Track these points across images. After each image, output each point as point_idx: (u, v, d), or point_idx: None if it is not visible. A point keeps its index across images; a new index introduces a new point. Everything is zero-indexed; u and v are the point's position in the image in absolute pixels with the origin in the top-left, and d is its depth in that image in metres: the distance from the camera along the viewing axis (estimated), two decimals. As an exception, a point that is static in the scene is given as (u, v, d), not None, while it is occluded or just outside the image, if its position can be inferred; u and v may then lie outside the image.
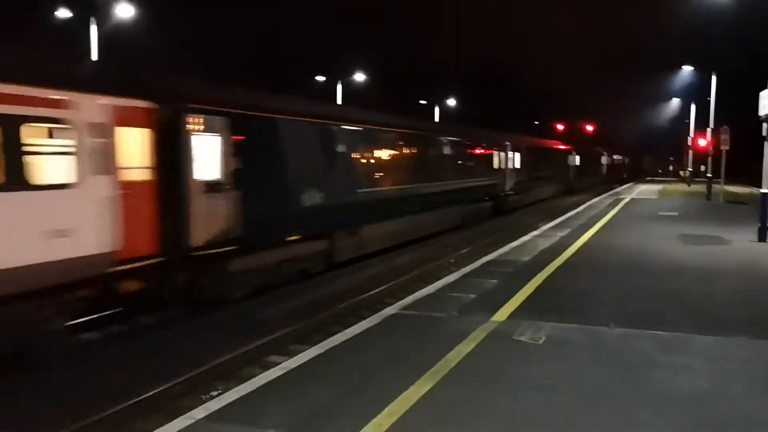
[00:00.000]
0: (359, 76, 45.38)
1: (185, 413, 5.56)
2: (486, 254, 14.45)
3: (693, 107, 48.46)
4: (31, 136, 7.70)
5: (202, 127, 10.25)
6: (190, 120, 10.03)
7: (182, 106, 9.94)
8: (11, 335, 7.74)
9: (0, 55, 8.04)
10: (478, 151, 25.41)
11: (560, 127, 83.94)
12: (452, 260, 16.39)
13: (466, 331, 7.72)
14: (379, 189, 16.48)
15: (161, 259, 9.46)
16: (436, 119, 54.01)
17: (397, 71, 67.56)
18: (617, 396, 5.85)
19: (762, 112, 16.19)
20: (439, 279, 11.84)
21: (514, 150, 29.45)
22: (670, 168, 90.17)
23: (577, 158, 46.96)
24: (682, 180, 58.71)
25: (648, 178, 74.84)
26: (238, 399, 5.80)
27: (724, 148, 29.72)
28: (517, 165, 30.02)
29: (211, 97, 10.98)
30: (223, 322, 10.54)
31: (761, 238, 16.10)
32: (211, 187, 10.32)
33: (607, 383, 6.17)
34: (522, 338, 7.50)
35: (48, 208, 7.77)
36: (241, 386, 6.17)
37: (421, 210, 18.94)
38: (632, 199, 33.79)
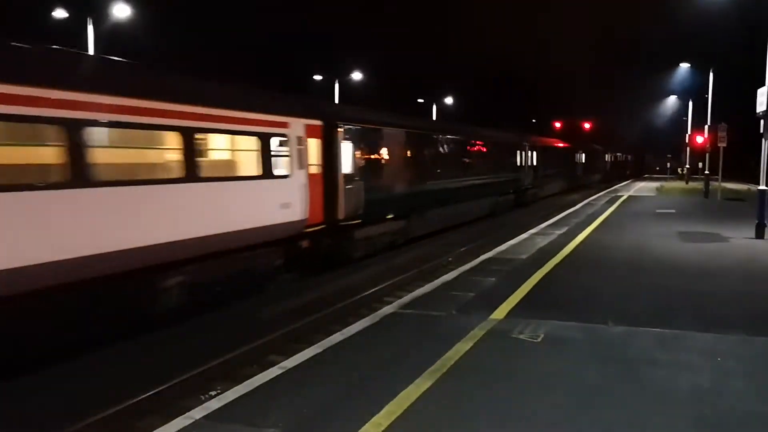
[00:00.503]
0: (357, 75, 45.34)
1: (184, 413, 5.55)
2: (484, 252, 14.46)
3: (690, 104, 48.54)
4: (273, 145, 11.97)
5: (344, 137, 14.44)
6: (339, 132, 14.23)
7: (335, 123, 14.17)
8: (261, 269, 12.08)
9: (261, 97, 12.75)
10: (505, 151, 29.46)
11: (557, 125, 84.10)
12: (450, 258, 16.39)
13: (465, 329, 7.72)
14: (440, 182, 20.63)
15: (323, 226, 13.71)
16: (434, 117, 54.11)
17: (396, 69, 67.68)
18: (616, 393, 5.85)
19: (759, 109, 16.22)
20: (437, 277, 11.84)
21: (531, 149, 32.95)
22: (668, 165, 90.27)
23: (584, 156, 50.56)
24: (680, 177, 58.81)
25: (646, 176, 74.92)
26: (237, 399, 5.80)
27: (722, 145, 29.78)
28: (535, 163, 33.59)
29: (348, 115, 15.41)
30: (222, 321, 10.54)
31: (759, 235, 16.13)
32: (348, 178, 14.54)
33: (606, 381, 6.17)
34: (521, 336, 7.50)
35: (280, 189, 12.12)
36: (241, 386, 6.16)
37: (466, 199, 23.11)
38: (630, 197, 33.83)
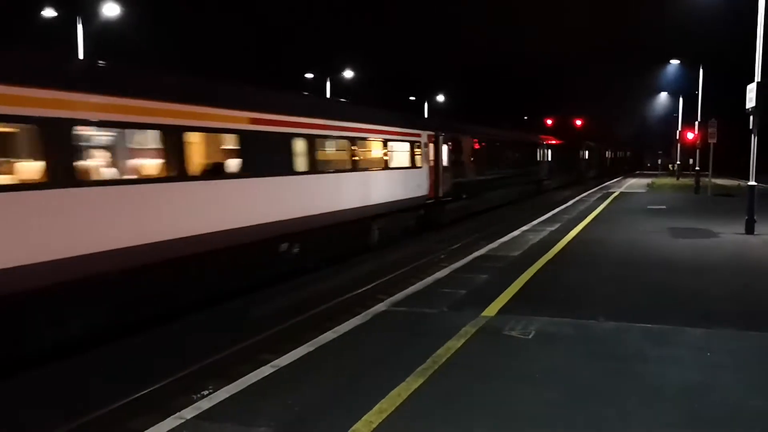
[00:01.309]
0: (348, 73, 45.27)
1: (176, 413, 5.54)
2: (476, 250, 14.49)
3: (681, 100, 48.72)
4: (415, 148, 19.37)
5: (442, 142, 21.58)
6: (440, 139, 21.45)
7: (439, 133, 21.46)
8: (407, 224, 19.22)
9: (409, 119, 20.20)
10: (531, 149, 37.54)
11: (549, 121, 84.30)
12: (443, 256, 16.42)
13: (457, 326, 7.73)
14: (491, 173, 28.29)
15: (433, 200, 20.87)
16: (426, 115, 54.24)
17: (386, 67, 67.59)
18: (608, 389, 5.87)
19: (749, 105, 16.30)
20: (429, 275, 11.86)
21: (547, 148, 41.00)
22: (659, 161, 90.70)
23: (587, 153, 58.39)
24: (671, 173, 59.02)
25: (637, 172, 75.28)
26: (228, 398, 5.78)
27: (712, 141, 29.95)
28: (549, 158, 41.53)
29: (445, 126, 22.75)
30: (214, 320, 10.52)
31: (749, 230, 16.22)
32: (445, 169, 21.69)
33: (598, 377, 6.19)
34: (512, 333, 7.52)
35: (418, 176, 19.49)
36: (232, 385, 6.15)
37: (506, 186, 30.94)
38: (621, 193, 33.95)
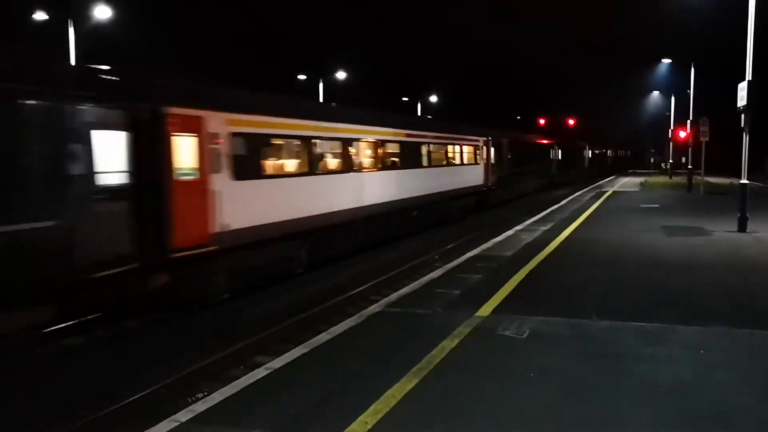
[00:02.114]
0: (341, 74, 45.25)
1: (170, 416, 5.53)
2: (470, 250, 14.50)
3: (672, 99, 48.91)
4: (476, 150, 26.97)
5: (491, 144, 28.48)
6: (489, 142, 28.27)
7: (488, 138, 28.13)
8: (471, 205, 26.73)
9: (476, 127, 28.21)
10: (544, 149, 43.99)
11: (542, 121, 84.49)
12: (437, 256, 16.43)
13: (451, 327, 7.74)
14: (519, 168, 34.44)
15: (485, 189, 27.85)
16: (419, 115, 54.42)
17: (379, 68, 67.61)
18: (602, 389, 5.90)
19: (740, 103, 16.38)
20: (424, 275, 11.87)
21: (558, 148, 47.43)
22: (651, 160, 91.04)
23: (590, 152, 67.13)
24: (664, 172, 59.26)
25: (630, 171, 75.62)
26: (223, 401, 5.78)
27: (704, 139, 30.04)
28: (559, 157, 47.93)
29: (492, 133, 29.02)
30: (208, 323, 10.50)
31: (741, 228, 16.30)
32: (492, 165, 28.44)
33: (592, 376, 6.21)
34: (506, 333, 7.53)
35: (478, 170, 27.19)
36: (227, 387, 6.14)
37: (528, 179, 37.39)
38: (614, 192, 34.05)
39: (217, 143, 10.79)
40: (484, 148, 27.73)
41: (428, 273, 12.06)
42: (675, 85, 47.74)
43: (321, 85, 42.75)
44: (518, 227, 18.37)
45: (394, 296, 9.82)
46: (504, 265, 12.14)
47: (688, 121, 37.24)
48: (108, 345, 9.22)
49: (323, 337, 7.67)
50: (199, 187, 10.39)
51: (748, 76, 16.10)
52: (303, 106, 16.43)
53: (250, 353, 8.98)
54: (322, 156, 15.18)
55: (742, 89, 16.22)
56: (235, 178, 11.19)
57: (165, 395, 7.52)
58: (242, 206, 11.38)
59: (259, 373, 6.48)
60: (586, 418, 5.28)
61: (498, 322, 7.98)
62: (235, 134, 11.30)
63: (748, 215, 16.42)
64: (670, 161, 54.01)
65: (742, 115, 16.36)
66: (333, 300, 11.61)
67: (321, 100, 39.85)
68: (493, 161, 28.63)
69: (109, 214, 8.96)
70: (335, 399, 5.72)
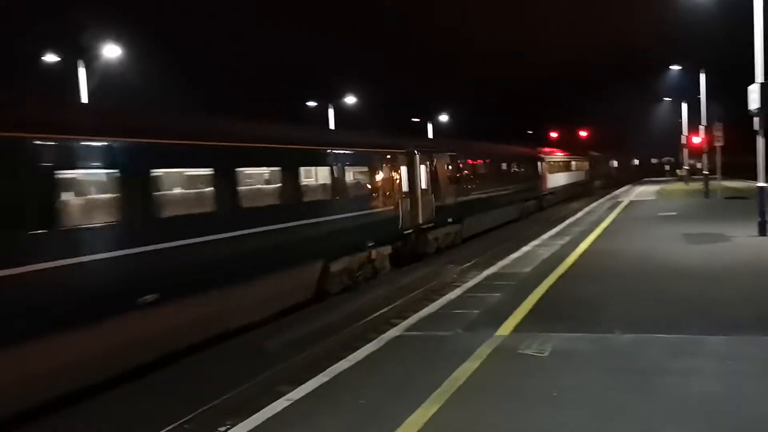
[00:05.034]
0: (350, 99, 45.56)
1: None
2: (488, 267, 14.41)
3: (684, 106, 48.64)
4: (536, 165, 36.35)
5: (543, 161, 36.78)
6: (543, 158, 37.24)
7: (542, 155, 37.42)
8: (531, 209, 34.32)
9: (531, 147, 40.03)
10: (578, 163, 50.07)
11: (554, 134, 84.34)
12: (455, 276, 16.33)
13: (472, 348, 7.64)
14: (554, 182, 39.54)
15: (545, 194, 37.43)
16: (430, 135, 54.55)
17: (388, 91, 68.04)
18: (628, 405, 5.77)
19: (751, 106, 16.21)
20: (442, 296, 11.78)
21: (592, 160, 56.17)
22: (667, 167, 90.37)
23: (615, 162, 76.52)
24: (680, 179, 58.77)
25: (645, 179, 75.15)
26: (245, 434, 5.73)
27: (719, 144, 29.80)
28: (588, 167, 54.33)
29: (543, 153, 38.12)
30: (230, 353, 10.45)
31: (761, 232, 16.05)
32: (543, 176, 36.42)
33: (617, 393, 6.09)
34: (528, 351, 7.43)
35: (539, 181, 36.11)
36: (249, 420, 6.10)
37: (565, 189, 43.69)
38: (631, 202, 33.73)
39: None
40: (539, 164, 34.55)
41: (447, 293, 11.94)
42: (686, 91, 47.50)
43: (331, 111, 43.05)
44: (535, 242, 18.20)
45: (413, 319, 9.73)
46: (523, 281, 11.97)
47: (701, 126, 36.97)
48: (128, 380, 9.18)
49: (343, 364, 7.60)
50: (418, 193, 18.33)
51: (759, 78, 15.96)
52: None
53: (272, 383, 8.89)
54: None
55: (753, 92, 16.05)
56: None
57: (190, 430, 7.46)
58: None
59: (281, 404, 6.43)
60: (614, 436, 5.16)
61: (519, 340, 7.86)
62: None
63: (767, 219, 16.19)
64: (686, 167, 53.56)
65: (755, 118, 16.19)
66: (353, 325, 11.57)
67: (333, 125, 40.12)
68: (544, 173, 33.56)
69: (407, 204, 17.33)
70: (357, 428, 5.65)
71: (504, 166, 28.61)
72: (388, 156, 16.76)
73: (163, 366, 9.65)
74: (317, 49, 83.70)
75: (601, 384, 6.32)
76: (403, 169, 17.33)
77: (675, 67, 45.30)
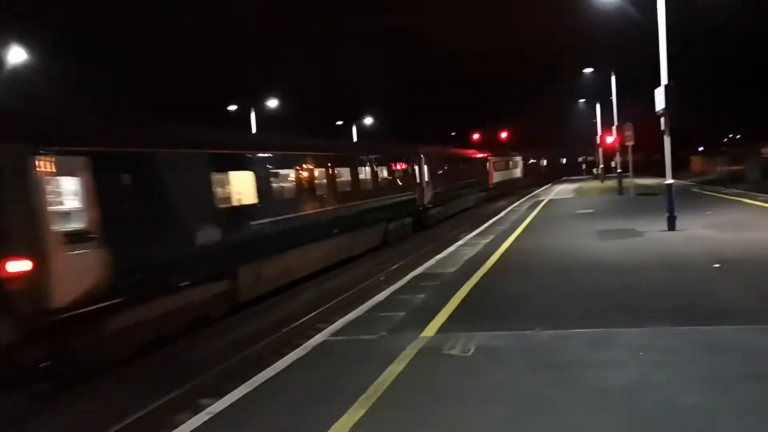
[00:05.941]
0: (273, 102, 44.99)
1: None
2: (414, 268, 14.46)
3: (598, 107, 50.67)
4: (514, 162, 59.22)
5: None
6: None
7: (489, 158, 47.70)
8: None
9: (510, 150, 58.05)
10: (513, 162, 57.60)
11: (476, 136, 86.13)
12: (382, 277, 16.33)
13: (396, 350, 7.61)
14: (497, 177, 48.14)
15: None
16: (355, 138, 54.61)
17: (311, 94, 67.70)
18: (551, 399, 5.87)
19: (658, 107, 17.05)
20: (369, 299, 11.70)
21: (522, 160, 63.09)
22: (583, 166, 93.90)
23: (545, 161, 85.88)
24: (596, 177, 61.15)
25: (564, 178, 77.83)
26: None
27: (630, 143, 31.20)
28: (522, 166, 62.90)
29: (491, 153, 49.19)
30: (149, 369, 10.04)
31: (671, 227, 16.84)
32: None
33: (541, 387, 6.18)
34: (452, 352, 7.46)
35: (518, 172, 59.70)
36: (167, 437, 5.84)
37: (506, 184, 51.40)
38: (550, 200, 34.80)
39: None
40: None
41: (374, 295, 11.89)
42: (597, 93, 49.53)
43: (253, 114, 42.40)
44: (459, 242, 18.45)
45: (339, 323, 9.58)
46: (447, 281, 12.08)
47: (614, 127, 38.58)
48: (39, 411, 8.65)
49: (267, 373, 7.41)
50: (424, 184, 26.68)
51: (664, 80, 16.78)
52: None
53: (194, 396, 8.62)
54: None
55: (659, 94, 16.89)
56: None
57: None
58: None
59: (201, 418, 6.20)
60: (539, 430, 5.23)
61: (443, 341, 7.88)
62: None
63: (676, 214, 16.99)
64: (601, 166, 55.79)
65: (662, 119, 17.03)
66: (277, 333, 11.35)
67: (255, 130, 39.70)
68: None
69: (420, 191, 25.74)
70: (281, 438, 5.50)
71: (468, 165, 38.58)
72: (410, 158, 25.60)
73: (80, 383, 9.17)
74: (237, 52, 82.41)
75: (525, 380, 6.41)
76: (416, 168, 25.99)
77: (588, 70, 47.03)
